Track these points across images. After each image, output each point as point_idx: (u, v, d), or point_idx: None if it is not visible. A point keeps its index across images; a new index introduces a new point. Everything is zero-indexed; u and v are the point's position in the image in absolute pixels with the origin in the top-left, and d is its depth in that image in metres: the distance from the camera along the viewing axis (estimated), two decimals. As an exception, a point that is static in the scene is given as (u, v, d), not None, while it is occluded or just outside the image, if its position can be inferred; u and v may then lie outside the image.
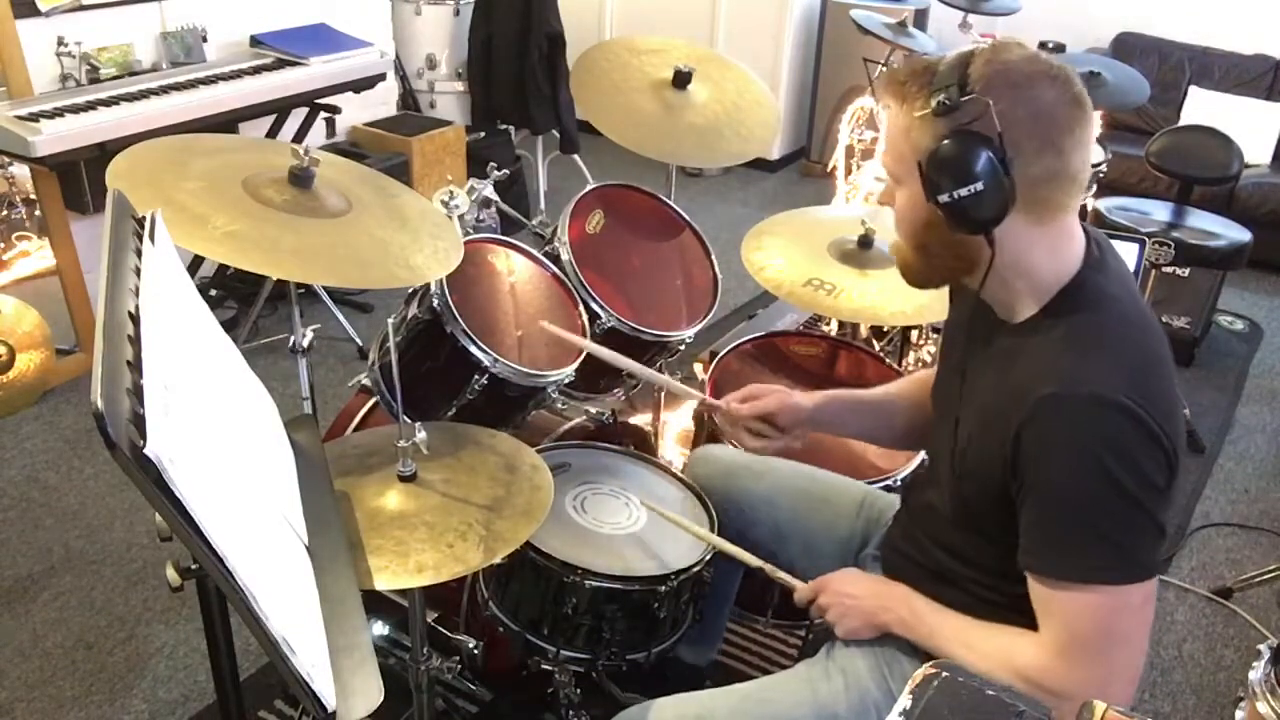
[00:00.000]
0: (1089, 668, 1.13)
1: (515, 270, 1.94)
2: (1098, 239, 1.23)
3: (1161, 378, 1.15)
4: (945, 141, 1.12)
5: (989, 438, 1.19)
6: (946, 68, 1.14)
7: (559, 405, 2.02)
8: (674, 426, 2.60)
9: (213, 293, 3.46)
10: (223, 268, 3.44)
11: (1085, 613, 1.13)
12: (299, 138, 3.42)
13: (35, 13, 2.93)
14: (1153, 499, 1.11)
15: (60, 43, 3.03)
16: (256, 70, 3.23)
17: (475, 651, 1.80)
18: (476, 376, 1.74)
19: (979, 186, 1.11)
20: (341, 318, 3.47)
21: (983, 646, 1.23)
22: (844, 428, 1.63)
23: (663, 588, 1.55)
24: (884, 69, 1.16)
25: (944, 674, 0.77)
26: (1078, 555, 1.12)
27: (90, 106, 2.77)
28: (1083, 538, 1.12)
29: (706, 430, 2.07)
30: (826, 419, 1.57)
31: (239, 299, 3.48)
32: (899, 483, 1.85)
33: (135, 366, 0.89)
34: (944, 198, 1.12)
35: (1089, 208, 3.44)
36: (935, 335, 2.97)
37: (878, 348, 2.65)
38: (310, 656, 0.97)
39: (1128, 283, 1.23)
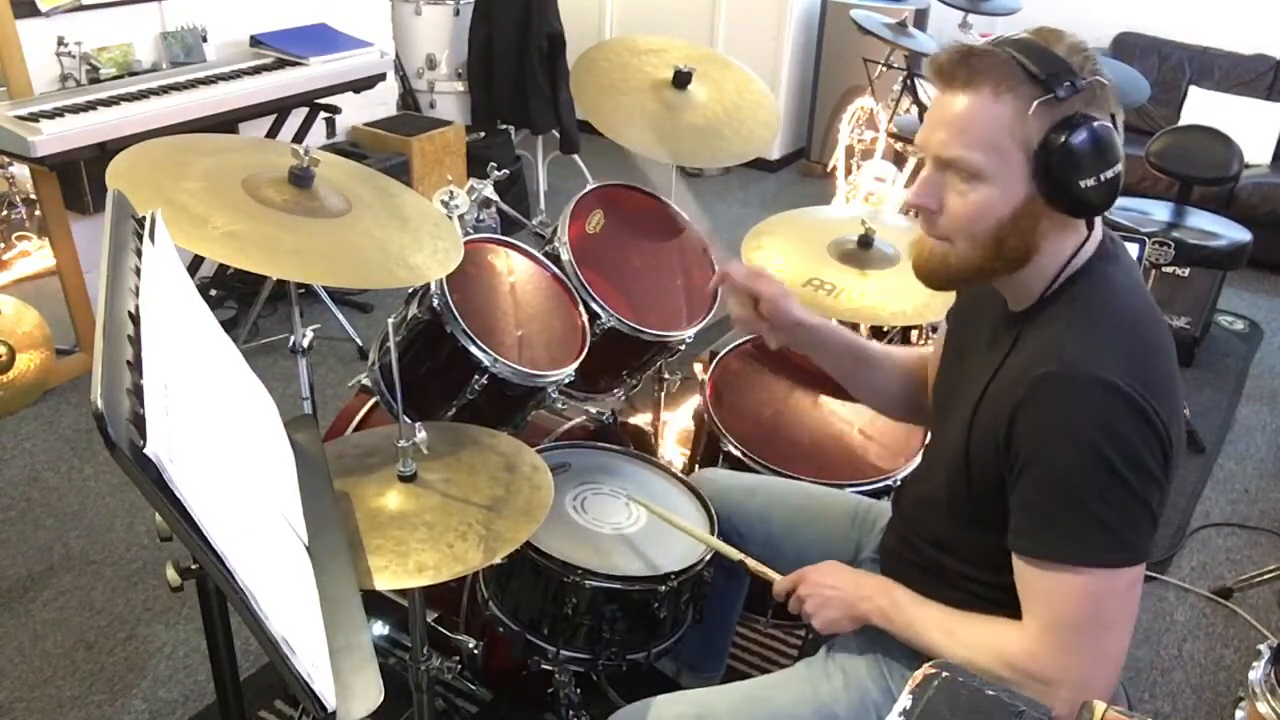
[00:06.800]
0: (1074, 652, 1.12)
1: (515, 270, 1.94)
2: (1109, 232, 1.23)
3: (1162, 367, 1.15)
4: (1080, 128, 1.09)
5: (988, 421, 1.18)
6: (1041, 54, 1.10)
7: (559, 405, 2.02)
8: (674, 426, 2.60)
9: (213, 293, 3.46)
10: (223, 268, 3.44)
11: (1072, 595, 1.12)
12: (299, 138, 3.42)
13: (35, 13, 2.93)
14: (1145, 483, 1.10)
15: (60, 43, 3.03)
16: (256, 70, 3.23)
17: (475, 651, 1.80)
18: (476, 376, 1.74)
19: (1120, 168, 1.12)
20: (341, 318, 3.47)
21: (964, 635, 1.22)
22: (829, 361, 1.55)
23: (663, 588, 1.55)
24: (931, 58, 1.13)
25: (944, 674, 0.78)
26: (1066, 536, 1.11)
27: (90, 106, 2.77)
28: (1072, 519, 1.11)
29: (705, 444, 2.06)
30: (814, 341, 1.51)
31: (239, 299, 3.49)
32: (897, 482, 1.85)
33: (135, 366, 0.89)
34: (1087, 182, 1.09)
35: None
36: (935, 335, 2.97)
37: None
38: (310, 656, 0.97)
39: (1135, 276, 1.22)
